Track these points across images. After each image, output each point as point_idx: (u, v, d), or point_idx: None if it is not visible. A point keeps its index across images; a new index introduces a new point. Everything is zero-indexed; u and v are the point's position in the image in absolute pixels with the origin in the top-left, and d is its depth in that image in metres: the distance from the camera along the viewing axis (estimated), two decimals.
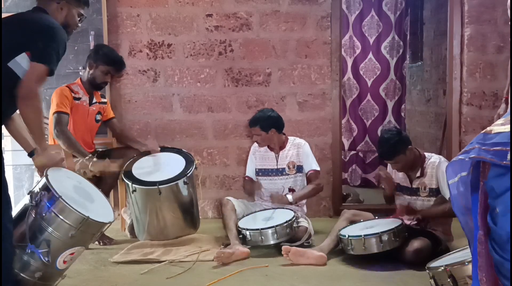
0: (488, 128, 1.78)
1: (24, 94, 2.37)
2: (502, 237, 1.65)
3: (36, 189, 2.55)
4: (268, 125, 3.98)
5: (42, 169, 2.64)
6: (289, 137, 4.12)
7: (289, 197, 3.90)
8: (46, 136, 4.08)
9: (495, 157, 1.67)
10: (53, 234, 2.50)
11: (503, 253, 1.65)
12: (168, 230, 3.76)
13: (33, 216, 2.49)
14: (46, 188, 2.52)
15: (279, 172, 4.04)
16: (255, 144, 4.15)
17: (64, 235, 2.52)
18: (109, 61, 3.88)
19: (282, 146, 4.07)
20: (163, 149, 4.04)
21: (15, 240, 2.46)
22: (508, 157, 1.63)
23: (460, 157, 1.83)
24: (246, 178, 4.17)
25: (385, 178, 3.66)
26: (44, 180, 2.55)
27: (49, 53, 2.42)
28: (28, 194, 2.57)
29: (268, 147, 4.08)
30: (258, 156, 4.11)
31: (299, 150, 4.04)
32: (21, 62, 2.40)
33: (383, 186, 3.80)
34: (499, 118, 3.78)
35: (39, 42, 2.42)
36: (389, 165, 3.75)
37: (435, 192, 3.49)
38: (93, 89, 3.98)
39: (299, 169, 4.03)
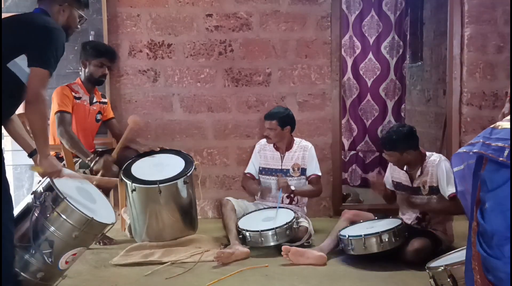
0: (497, 123, 1.81)
1: (31, 99, 2.37)
2: (487, 233, 1.66)
3: (40, 189, 2.55)
4: (286, 122, 3.98)
5: (51, 176, 2.64)
6: (295, 139, 4.11)
7: (292, 187, 3.90)
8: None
9: (494, 153, 1.68)
10: (56, 235, 2.51)
11: (488, 248, 1.67)
12: (167, 231, 3.74)
13: (37, 216, 2.49)
14: (50, 188, 2.52)
15: (283, 172, 4.03)
16: (261, 142, 4.14)
17: (67, 236, 2.52)
18: (99, 53, 3.88)
19: (288, 147, 4.05)
20: (162, 150, 4.03)
21: (17, 240, 2.46)
22: (505, 153, 1.64)
23: (464, 149, 1.85)
24: (248, 174, 4.14)
25: (375, 183, 3.69)
26: (47, 180, 2.55)
27: (47, 56, 2.41)
28: (31, 194, 2.57)
29: (275, 146, 4.08)
30: (263, 155, 4.10)
31: (305, 153, 4.03)
32: (22, 64, 2.39)
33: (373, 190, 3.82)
34: (504, 117, 3.78)
35: (37, 44, 2.40)
36: (390, 163, 3.76)
37: (436, 190, 3.49)
38: (94, 85, 3.98)
39: (303, 172, 4.02)
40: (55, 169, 2.57)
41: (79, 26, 2.74)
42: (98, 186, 3.11)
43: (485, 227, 1.68)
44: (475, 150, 1.77)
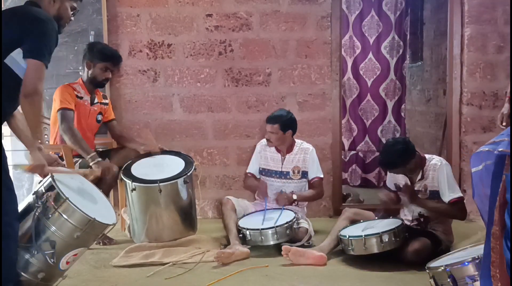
0: None
1: (28, 92, 2.35)
2: None
3: (41, 189, 2.54)
4: (288, 126, 3.96)
5: (35, 170, 2.62)
6: (296, 140, 4.09)
7: (294, 195, 3.90)
8: (46, 135, 4.11)
9: None
10: (58, 235, 2.50)
11: None
12: (167, 232, 3.73)
13: (38, 216, 2.48)
14: (52, 189, 2.51)
15: (282, 175, 4.02)
16: (262, 143, 4.13)
17: (69, 236, 2.52)
18: (105, 57, 3.88)
19: (289, 149, 4.04)
20: (162, 151, 4.02)
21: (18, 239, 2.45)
22: None
23: (487, 148, 1.78)
24: (249, 174, 4.13)
25: (387, 200, 3.64)
26: (49, 180, 2.54)
27: (41, 48, 2.39)
28: (32, 194, 2.56)
29: (276, 148, 4.06)
30: (264, 156, 4.09)
31: (306, 156, 4.01)
32: (18, 59, 2.37)
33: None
34: (503, 118, 3.74)
35: (30, 37, 2.38)
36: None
37: (436, 194, 3.48)
38: (96, 87, 3.98)
39: (304, 174, 4.01)
40: (39, 163, 2.53)
41: (72, 18, 2.71)
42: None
43: None
44: (500, 149, 1.70)
